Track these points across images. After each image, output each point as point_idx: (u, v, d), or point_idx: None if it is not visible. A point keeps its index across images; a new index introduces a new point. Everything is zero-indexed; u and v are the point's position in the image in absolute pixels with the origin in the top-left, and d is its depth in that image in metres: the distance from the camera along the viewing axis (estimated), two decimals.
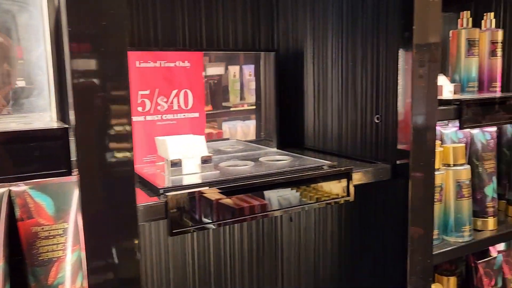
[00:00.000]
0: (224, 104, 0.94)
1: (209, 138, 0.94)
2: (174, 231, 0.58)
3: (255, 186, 0.65)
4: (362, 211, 0.91)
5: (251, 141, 1.00)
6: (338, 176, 0.72)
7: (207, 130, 0.94)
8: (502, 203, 1.12)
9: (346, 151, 0.93)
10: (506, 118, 0.92)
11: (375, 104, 0.84)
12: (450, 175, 0.92)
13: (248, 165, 0.79)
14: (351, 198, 0.74)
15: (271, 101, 1.00)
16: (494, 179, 0.99)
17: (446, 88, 0.97)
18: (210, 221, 0.60)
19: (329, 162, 0.78)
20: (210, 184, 0.63)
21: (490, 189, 0.99)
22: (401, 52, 0.76)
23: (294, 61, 1.07)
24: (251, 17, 1.09)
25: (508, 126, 1.08)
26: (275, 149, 0.96)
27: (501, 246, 1.17)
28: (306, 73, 1.03)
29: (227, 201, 0.61)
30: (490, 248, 1.12)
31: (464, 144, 0.94)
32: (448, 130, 1.02)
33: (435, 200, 0.90)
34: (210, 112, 0.92)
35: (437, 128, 1.04)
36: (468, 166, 0.93)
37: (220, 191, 0.61)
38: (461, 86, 1.03)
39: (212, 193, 0.60)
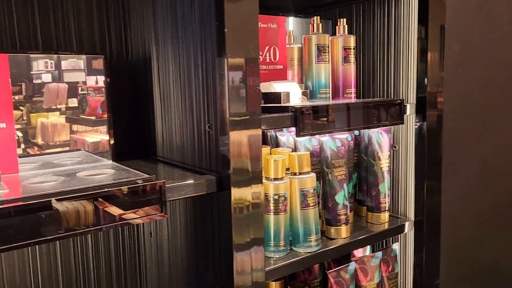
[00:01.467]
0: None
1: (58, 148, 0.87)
2: None
3: (34, 207, 0.58)
4: (203, 225, 0.86)
5: (102, 152, 0.93)
6: (145, 192, 0.66)
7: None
8: (363, 208, 1.12)
9: (188, 161, 0.87)
10: (346, 125, 0.91)
11: (207, 112, 0.80)
12: (294, 184, 0.89)
13: (57, 181, 0.71)
14: (165, 214, 0.69)
15: (115, 109, 0.93)
16: (345, 186, 0.98)
17: (295, 95, 0.95)
18: None
19: (147, 176, 0.72)
20: None
21: (341, 197, 0.97)
22: (218, 57, 0.71)
23: (144, 66, 1.00)
24: (98, 18, 1.01)
25: (366, 131, 1.09)
26: (110, 162, 0.89)
27: (367, 250, 1.17)
28: (153, 79, 0.97)
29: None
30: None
31: (308, 152, 0.92)
32: (302, 138, 1.00)
33: (280, 210, 0.87)
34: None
35: (291, 135, 1.03)
36: (313, 175, 0.91)
37: None
38: (314, 92, 1.01)
39: None
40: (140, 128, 1.05)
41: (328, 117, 0.88)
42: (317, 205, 0.92)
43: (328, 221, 0.98)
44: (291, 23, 1.26)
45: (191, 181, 0.72)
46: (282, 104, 0.88)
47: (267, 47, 1.06)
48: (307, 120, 0.84)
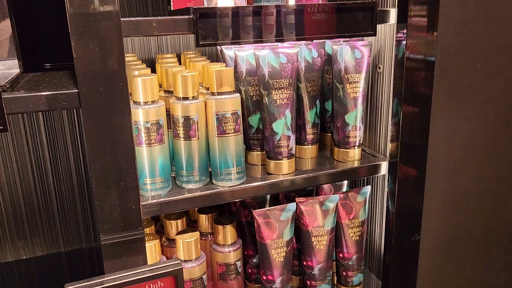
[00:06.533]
0: None
1: None
2: None
3: None
4: None
5: None
6: None
7: None
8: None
9: None
10: (274, 34, 0.71)
11: None
12: (210, 106, 0.74)
13: None
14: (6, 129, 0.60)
15: None
16: (288, 112, 0.80)
17: None
18: None
19: None
20: None
21: (280, 125, 0.80)
22: None
23: None
24: None
25: (329, 45, 0.86)
26: None
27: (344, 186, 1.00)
28: None
29: None
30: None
31: (230, 68, 0.75)
32: (242, 52, 0.82)
33: (190, 136, 0.74)
34: None
35: (233, 49, 0.85)
36: (235, 95, 0.75)
37: None
38: None
39: None
40: None
41: (243, 22, 0.69)
42: (239, 133, 0.76)
43: (267, 154, 0.83)
44: None
45: (43, 93, 0.62)
46: (189, 5, 0.71)
47: None
48: (212, 25, 0.67)
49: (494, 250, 1.05)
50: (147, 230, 0.82)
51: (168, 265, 0.64)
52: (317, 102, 0.89)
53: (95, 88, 0.61)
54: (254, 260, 0.93)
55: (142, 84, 0.70)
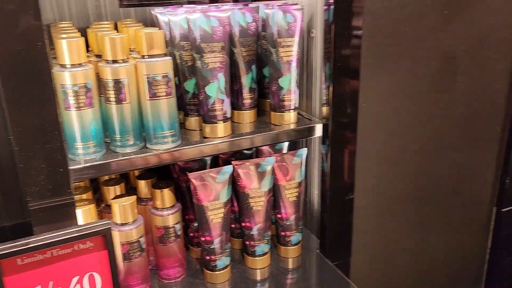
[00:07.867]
0: None
1: None
2: None
3: None
4: None
5: None
6: None
7: None
8: None
9: None
10: None
11: None
12: (140, 69, 0.74)
13: None
14: None
15: None
16: (221, 76, 0.81)
17: None
18: None
19: None
20: None
21: (213, 89, 0.81)
22: None
23: None
24: None
25: (262, 9, 0.87)
26: None
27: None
28: None
29: None
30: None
31: (162, 30, 0.75)
32: (175, 17, 0.82)
33: (121, 99, 0.74)
34: None
35: (168, 15, 0.85)
36: (166, 58, 0.75)
37: None
38: None
39: None
40: None
41: None
42: (171, 96, 0.77)
43: (203, 118, 0.84)
44: None
45: None
46: None
47: None
48: None
49: (426, 208, 1.11)
50: (83, 196, 0.82)
51: (97, 225, 0.64)
52: (253, 67, 0.90)
53: (12, 48, 0.59)
54: (195, 224, 0.95)
55: (67, 46, 0.69)
